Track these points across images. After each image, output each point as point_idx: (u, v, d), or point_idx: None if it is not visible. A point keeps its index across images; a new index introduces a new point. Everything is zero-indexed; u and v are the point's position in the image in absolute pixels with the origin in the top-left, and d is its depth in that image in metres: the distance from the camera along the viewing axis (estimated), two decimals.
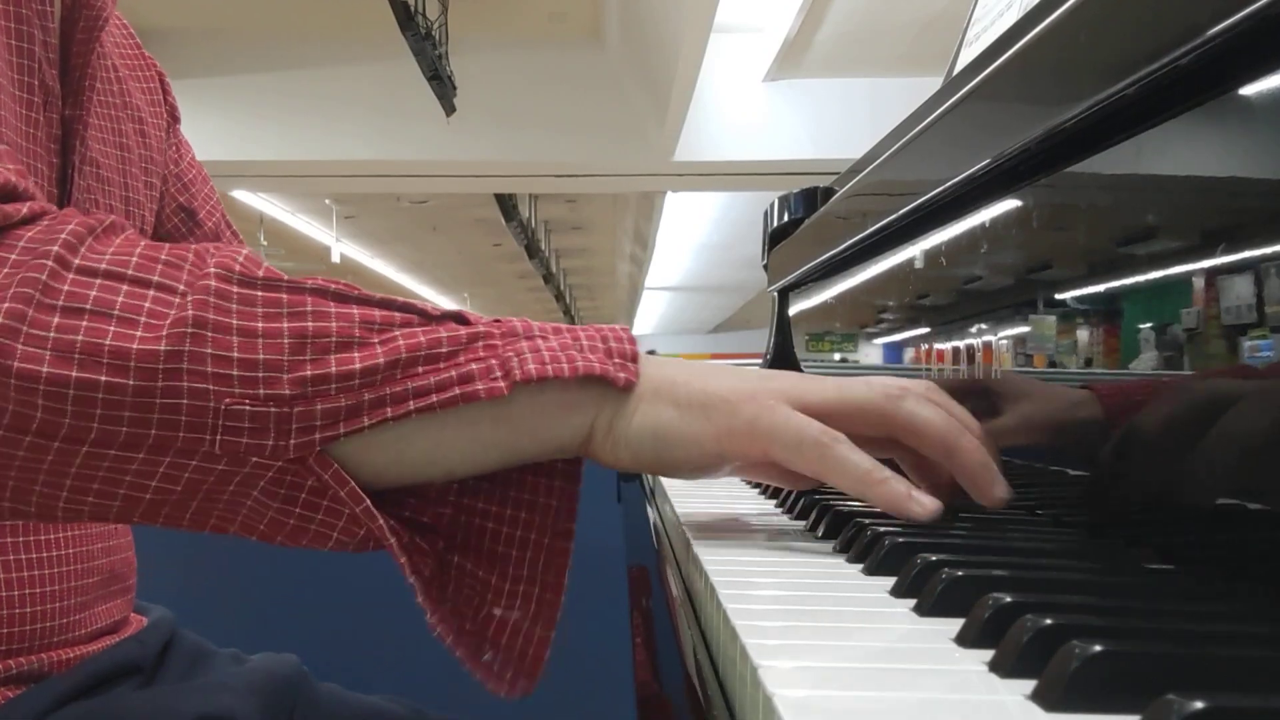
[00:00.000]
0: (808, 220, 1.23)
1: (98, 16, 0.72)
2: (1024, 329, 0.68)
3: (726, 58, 7.18)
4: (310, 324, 0.49)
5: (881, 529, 0.55)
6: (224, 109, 7.18)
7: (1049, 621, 0.34)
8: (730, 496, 0.86)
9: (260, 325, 0.48)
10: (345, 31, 7.09)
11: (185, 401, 0.46)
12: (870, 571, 0.51)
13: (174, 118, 0.92)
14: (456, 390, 0.49)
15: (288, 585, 1.46)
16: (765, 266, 1.37)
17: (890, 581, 0.48)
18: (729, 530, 0.67)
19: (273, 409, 0.47)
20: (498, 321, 0.53)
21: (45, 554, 0.72)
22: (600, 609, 1.52)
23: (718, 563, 0.53)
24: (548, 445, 0.53)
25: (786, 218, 1.32)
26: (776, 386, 0.56)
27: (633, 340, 0.55)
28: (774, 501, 0.80)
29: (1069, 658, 0.31)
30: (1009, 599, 0.38)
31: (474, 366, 0.50)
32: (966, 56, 0.98)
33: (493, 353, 0.51)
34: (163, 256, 0.49)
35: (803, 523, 0.68)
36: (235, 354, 0.47)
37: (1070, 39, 0.55)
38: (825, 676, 0.34)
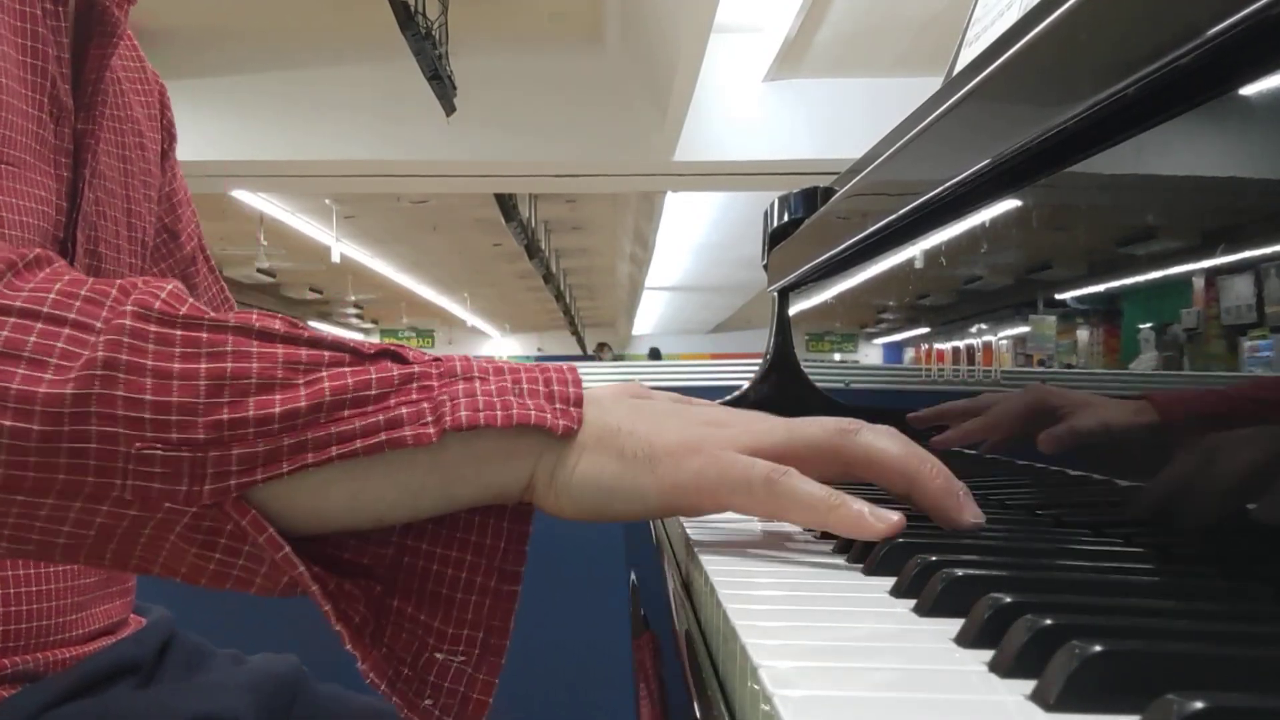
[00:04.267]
0: (808, 220, 1.23)
1: (112, 33, 0.72)
2: (1024, 329, 0.68)
3: (726, 58, 7.17)
4: (229, 365, 0.47)
5: None
6: (224, 109, 7.18)
7: (1049, 621, 0.34)
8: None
9: (176, 366, 0.46)
10: (345, 31, 7.08)
11: (94, 445, 0.45)
12: (870, 572, 0.51)
13: (170, 136, 0.91)
14: (383, 436, 0.47)
15: None
16: (765, 266, 1.37)
17: (890, 582, 0.48)
18: (729, 530, 0.67)
19: (186, 454, 0.45)
20: (438, 360, 0.51)
21: None
22: (601, 608, 1.53)
23: (718, 562, 0.53)
24: (486, 493, 0.51)
25: (786, 218, 1.32)
26: (725, 435, 0.54)
27: (578, 382, 0.53)
28: None
29: (1069, 658, 0.31)
30: (1009, 599, 0.38)
31: (404, 410, 0.48)
32: (966, 56, 0.98)
33: (426, 395, 0.48)
34: (83, 292, 0.48)
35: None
36: (148, 396, 0.45)
37: (1070, 39, 0.55)
38: (825, 676, 0.34)
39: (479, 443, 0.50)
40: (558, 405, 0.52)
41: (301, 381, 0.47)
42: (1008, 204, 0.67)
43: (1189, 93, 0.45)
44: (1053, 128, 0.54)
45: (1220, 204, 0.48)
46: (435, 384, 0.49)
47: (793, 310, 1.29)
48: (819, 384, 1.21)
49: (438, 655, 0.51)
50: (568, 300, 18.67)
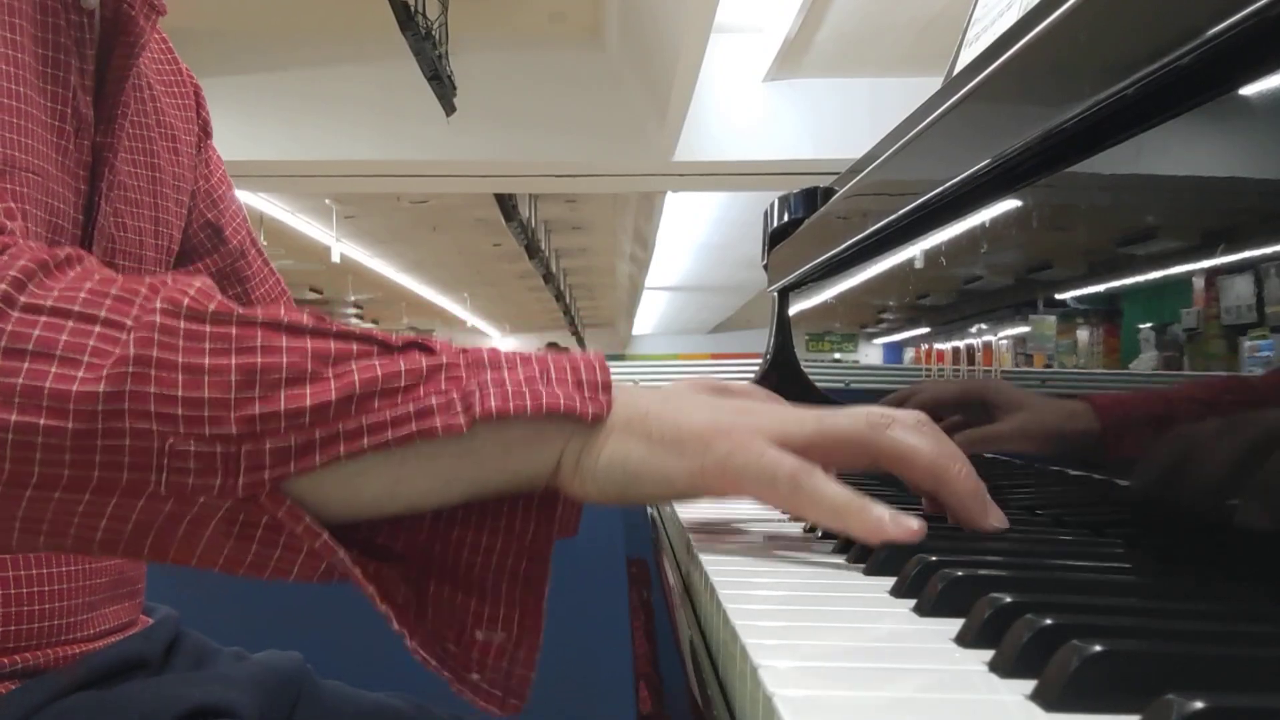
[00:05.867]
0: (808, 220, 1.23)
1: (134, 43, 0.72)
2: (1024, 329, 0.68)
3: (726, 58, 7.17)
4: (260, 359, 0.47)
5: None
6: (224, 109, 7.14)
7: (1049, 621, 0.34)
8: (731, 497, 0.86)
9: (207, 361, 0.46)
10: (345, 31, 7.09)
11: (128, 442, 0.45)
12: (870, 572, 0.51)
13: (206, 133, 0.92)
14: (413, 426, 0.48)
15: (292, 585, 1.45)
16: (765, 266, 1.37)
17: (890, 582, 0.48)
18: (729, 530, 0.67)
19: (219, 448, 0.46)
20: (465, 351, 0.51)
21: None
22: (601, 608, 1.52)
23: (718, 563, 0.54)
24: (514, 480, 0.52)
25: (786, 218, 1.32)
26: (754, 423, 0.54)
27: (605, 369, 0.53)
28: None
29: (1069, 657, 0.31)
30: (1009, 599, 0.38)
31: (433, 400, 0.48)
32: (966, 57, 0.98)
33: (455, 385, 0.49)
34: (113, 291, 0.48)
35: (803, 523, 0.68)
36: (180, 392, 0.46)
37: (1070, 39, 0.55)
38: (825, 676, 0.34)
39: (509, 431, 0.50)
40: (586, 392, 0.52)
41: (331, 374, 0.48)
42: (1008, 204, 0.67)
43: (1189, 93, 0.45)
44: (1053, 128, 0.54)
45: (1220, 204, 0.48)
46: (464, 373, 0.50)
47: (793, 310, 1.29)
48: (819, 384, 1.21)
49: (478, 634, 0.51)
50: (568, 300, 18.67)
